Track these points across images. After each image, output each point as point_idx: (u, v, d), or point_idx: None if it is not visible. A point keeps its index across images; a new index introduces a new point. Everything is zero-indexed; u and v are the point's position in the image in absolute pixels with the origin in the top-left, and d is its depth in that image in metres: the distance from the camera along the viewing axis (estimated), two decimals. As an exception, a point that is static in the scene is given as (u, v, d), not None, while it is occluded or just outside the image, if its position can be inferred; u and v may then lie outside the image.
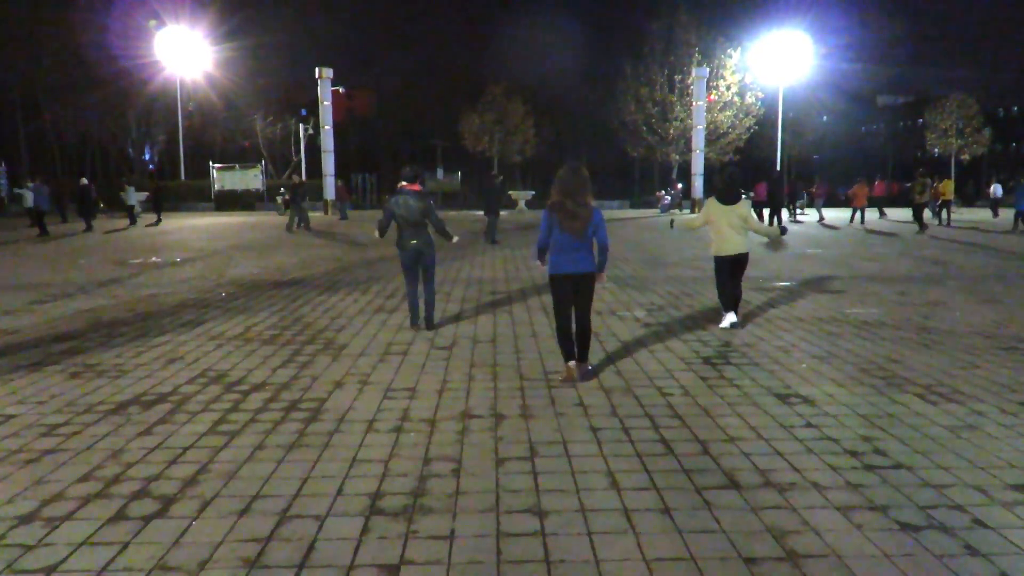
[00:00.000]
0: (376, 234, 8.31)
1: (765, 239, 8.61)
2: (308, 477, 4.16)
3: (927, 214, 25.66)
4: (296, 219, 24.94)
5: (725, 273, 8.34)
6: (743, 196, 8.33)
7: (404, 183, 8.19)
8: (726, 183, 8.46)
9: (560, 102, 61.19)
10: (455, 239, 8.62)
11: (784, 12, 57.94)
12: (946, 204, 27.03)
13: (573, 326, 6.16)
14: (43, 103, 48.03)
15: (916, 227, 23.52)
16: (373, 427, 5.01)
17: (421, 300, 8.36)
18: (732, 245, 8.22)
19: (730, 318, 8.29)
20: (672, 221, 8.96)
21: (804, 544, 3.38)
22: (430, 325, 8.28)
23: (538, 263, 6.35)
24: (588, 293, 6.18)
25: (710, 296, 10.40)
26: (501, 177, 21.99)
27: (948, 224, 26.32)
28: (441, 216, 8.31)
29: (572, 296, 6.12)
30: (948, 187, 27.12)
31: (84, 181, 27.74)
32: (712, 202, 8.34)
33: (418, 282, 8.36)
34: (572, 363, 6.13)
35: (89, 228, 25.18)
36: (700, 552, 3.31)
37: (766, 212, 24.81)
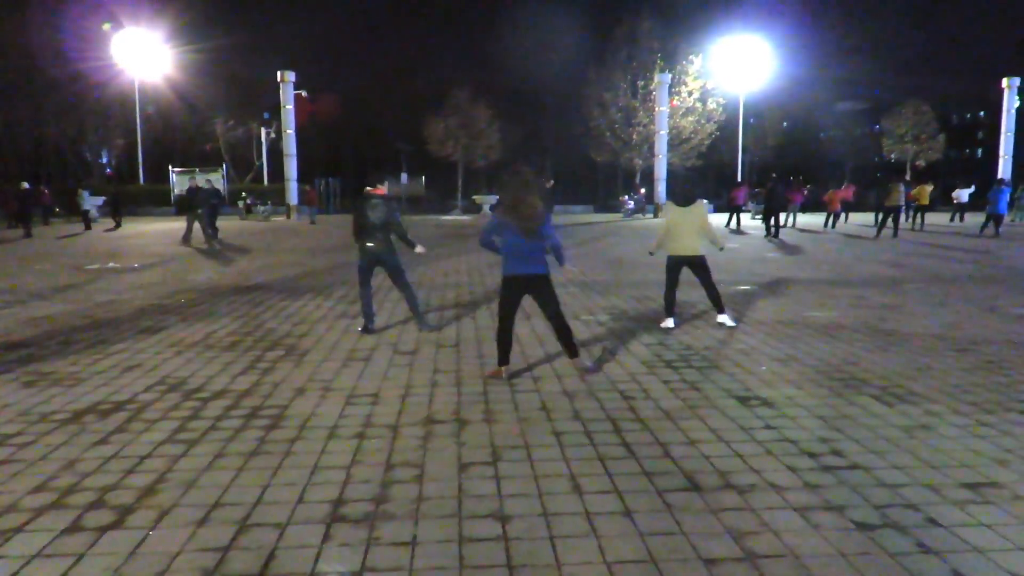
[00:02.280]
0: (355, 239, 8.25)
1: (716, 246, 8.78)
2: (269, 485, 4.12)
3: (907, 218, 26.22)
4: (195, 229, 21.40)
5: (676, 273, 8.57)
6: (700, 201, 8.54)
7: (369, 188, 8.20)
8: (683, 188, 8.80)
9: (525, 107, 61.37)
10: (419, 248, 8.51)
11: (745, 18, 58.77)
12: (921, 209, 27.60)
13: (513, 328, 6.41)
14: (-2, 107, 47.04)
15: (876, 232, 23.95)
16: (335, 433, 4.97)
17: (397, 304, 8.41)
18: (683, 246, 8.44)
19: (723, 318, 8.65)
20: (651, 253, 9.04)
21: (763, 544, 3.42)
22: (424, 325, 8.36)
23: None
24: (549, 293, 6.31)
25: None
26: (552, 182, 20.30)
27: (921, 228, 26.84)
28: (403, 221, 8.27)
29: (520, 299, 6.37)
30: (924, 192, 27.67)
31: (25, 185, 27.17)
32: (670, 205, 8.68)
33: (370, 286, 8.38)
34: (505, 367, 6.38)
35: (28, 235, 24.60)
36: (661, 554, 3.34)
37: (749, 216, 24.90)
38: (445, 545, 3.43)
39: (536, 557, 3.32)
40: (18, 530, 3.59)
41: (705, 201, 8.46)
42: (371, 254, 8.14)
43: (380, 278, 10.11)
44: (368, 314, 8.33)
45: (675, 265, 8.54)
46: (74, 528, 3.61)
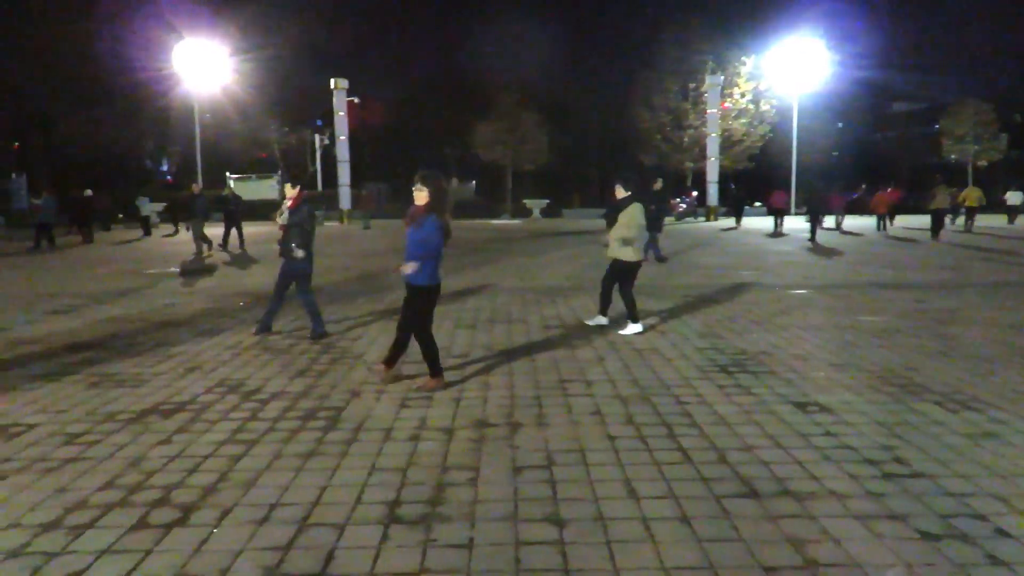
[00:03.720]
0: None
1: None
2: (327, 486, 4.18)
3: (955, 221, 25.47)
4: (201, 239, 20.18)
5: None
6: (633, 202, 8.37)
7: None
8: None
9: (573, 110, 61.22)
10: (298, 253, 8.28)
11: (798, 19, 57.87)
12: (971, 211, 26.89)
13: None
14: (60, 115, 48.54)
15: (930, 234, 23.37)
16: (391, 436, 5.03)
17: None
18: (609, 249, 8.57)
19: (597, 320, 8.83)
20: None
21: (824, 553, 3.37)
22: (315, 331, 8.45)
23: (405, 269, 6.01)
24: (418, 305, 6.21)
25: (725, 303, 10.40)
26: (661, 182, 18.25)
27: (969, 230, 26.11)
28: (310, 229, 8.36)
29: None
30: (973, 194, 26.95)
31: (88, 192, 27.87)
32: (639, 208, 8.40)
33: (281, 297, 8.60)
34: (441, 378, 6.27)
35: (89, 241, 25.24)
36: (719, 561, 3.30)
37: (788, 219, 24.39)
38: (501, 548, 3.44)
39: (592, 561, 3.31)
40: (88, 526, 3.71)
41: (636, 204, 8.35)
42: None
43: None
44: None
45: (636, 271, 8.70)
46: (140, 525, 3.71)
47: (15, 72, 44.11)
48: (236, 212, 21.48)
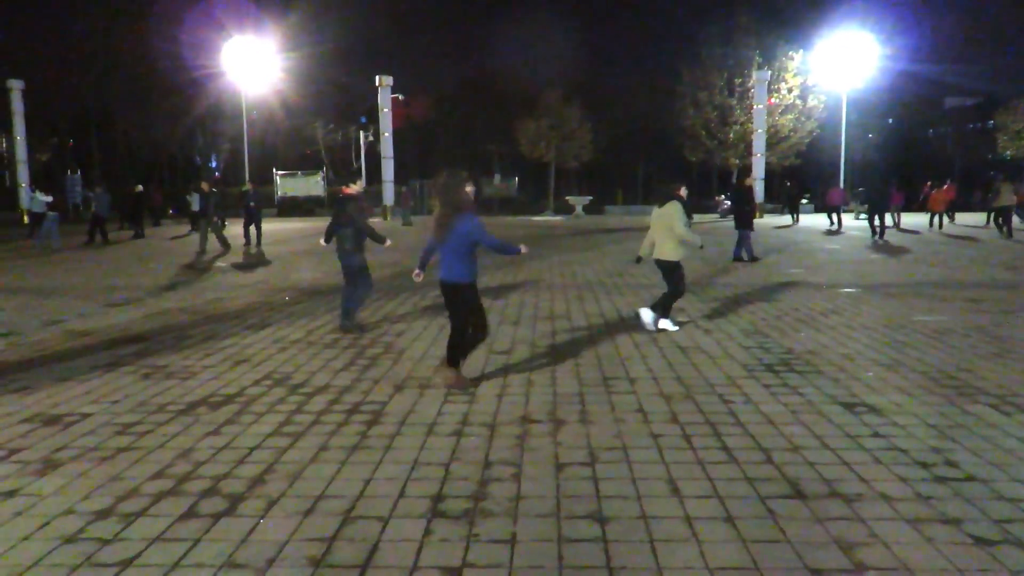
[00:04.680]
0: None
1: (692, 245, 8.40)
2: (371, 479, 4.22)
3: (1022, 219, 24.71)
4: (204, 239, 19.73)
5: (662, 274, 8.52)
6: (673, 200, 8.19)
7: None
8: (660, 187, 8.69)
9: (617, 107, 60.89)
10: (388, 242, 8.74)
11: (847, 13, 56.74)
12: None
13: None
14: (116, 112, 49.74)
15: (998, 232, 22.78)
16: (433, 430, 5.05)
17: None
18: (656, 249, 8.34)
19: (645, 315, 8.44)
20: (702, 245, 8.67)
21: (873, 556, 3.30)
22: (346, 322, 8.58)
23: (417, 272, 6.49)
24: (454, 304, 6.07)
25: (773, 301, 10.26)
26: (752, 178, 18.00)
27: None
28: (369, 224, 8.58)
29: (447, 305, 6.19)
30: None
31: (139, 188, 28.42)
32: (655, 208, 8.42)
33: (352, 286, 8.64)
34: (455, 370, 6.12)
35: (139, 235, 25.72)
36: (765, 562, 3.26)
37: (843, 216, 23.73)
38: (544, 544, 3.43)
39: (636, 560, 3.29)
40: (140, 514, 3.79)
41: (678, 201, 8.15)
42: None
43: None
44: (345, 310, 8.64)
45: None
46: (190, 514, 3.79)
47: (72, 72, 45.28)
48: (255, 210, 21.27)
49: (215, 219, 19.95)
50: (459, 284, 5.99)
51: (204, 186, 20.80)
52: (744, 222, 15.88)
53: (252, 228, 21.32)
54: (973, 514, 3.71)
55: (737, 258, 15.76)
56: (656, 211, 8.36)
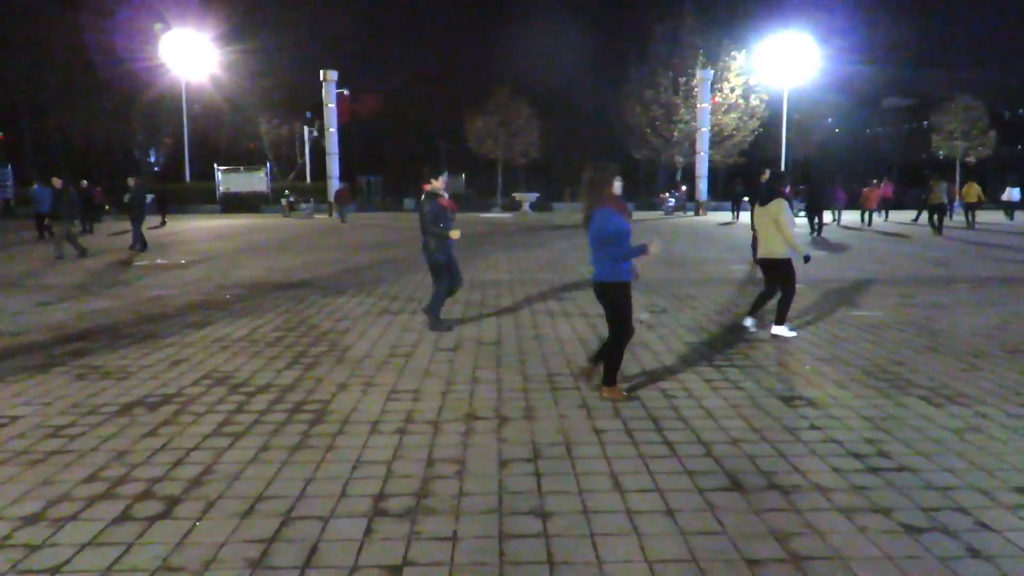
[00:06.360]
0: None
1: (797, 251, 8.01)
2: (312, 479, 4.17)
3: (952, 216, 25.41)
4: (58, 241, 17.31)
5: (764, 274, 8.30)
6: (779, 197, 7.89)
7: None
8: (766, 184, 8.32)
9: (566, 104, 61.16)
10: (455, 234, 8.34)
11: (789, 14, 57.88)
12: (971, 207, 26.97)
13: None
14: (49, 106, 48.18)
15: (930, 229, 23.49)
16: (377, 429, 5.02)
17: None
18: (761, 247, 8.11)
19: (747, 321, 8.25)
20: (806, 257, 7.95)
21: (808, 546, 3.38)
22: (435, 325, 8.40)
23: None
24: (602, 304, 5.75)
25: (713, 299, 10.42)
26: (767, 173, 16.68)
27: (973, 227, 26.14)
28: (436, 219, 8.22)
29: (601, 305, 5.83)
30: (972, 190, 27.05)
31: (84, 184, 27.72)
32: (757, 206, 8.18)
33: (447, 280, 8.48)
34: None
35: (89, 231, 25.12)
36: (703, 554, 3.31)
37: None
38: (486, 541, 3.44)
39: (577, 554, 3.31)
40: (71, 519, 3.68)
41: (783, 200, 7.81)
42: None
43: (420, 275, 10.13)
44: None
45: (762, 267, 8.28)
46: (124, 517, 3.70)
47: (3, 63, 43.77)
48: (138, 208, 19.17)
49: (72, 221, 18.15)
50: (604, 283, 5.61)
51: (56, 182, 18.48)
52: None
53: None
54: (903, 503, 3.82)
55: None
56: (758, 209, 8.04)
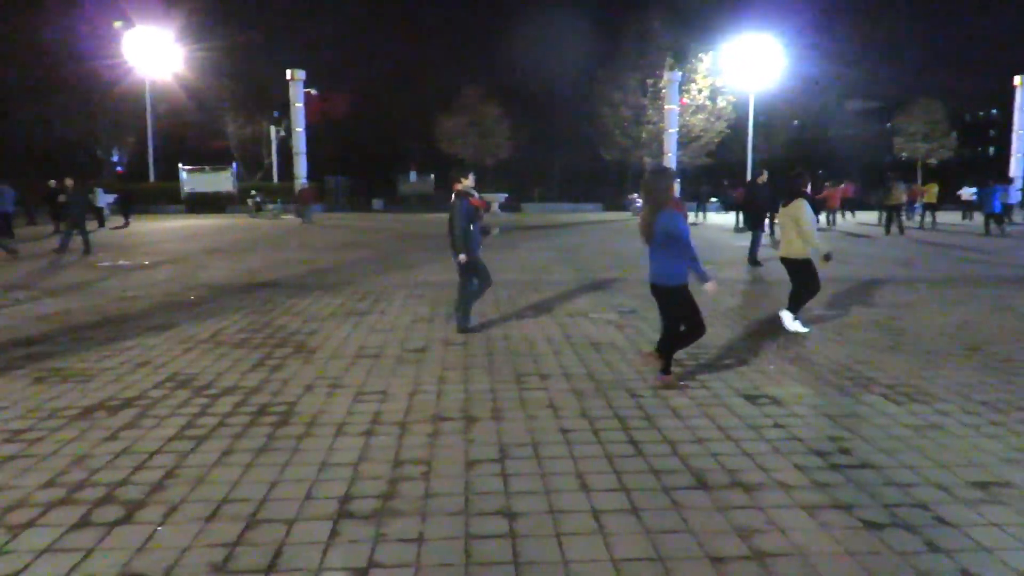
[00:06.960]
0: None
1: (816, 249, 8.15)
2: (277, 481, 4.13)
3: (911, 217, 25.77)
4: (65, 237, 17.30)
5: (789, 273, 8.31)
6: (798, 197, 7.99)
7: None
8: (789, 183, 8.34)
9: (535, 105, 61.25)
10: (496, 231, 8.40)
11: (756, 18, 58.52)
12: (930, 207, 27.39)
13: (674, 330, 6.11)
14: (9, 104, 47.19)
15: (883, 230, 23.81)
16: (343, 430, 4.98)
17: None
18: (783, 247, 8.21)
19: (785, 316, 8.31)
20: (827, 255, 8.18)
21: (770, 543, 3.42)
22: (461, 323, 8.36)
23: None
24: (662, 306, 6.09)
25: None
26: (765, 174, 15.64)
27: (933, 227, 26.58)
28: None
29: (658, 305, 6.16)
30: (932, 191, 27.46)
31: (52, 183, 27.26)
32: (780, 207, 8.26)
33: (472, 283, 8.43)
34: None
35: (58, 231, 24.70)
36: (668, 552, 3.33)
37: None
38: (452, 542, 3.43)
39: (543, 554, 3.32)
40: (28, 525, 3.61)
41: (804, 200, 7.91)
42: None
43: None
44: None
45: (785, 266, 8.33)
46: (83, 523, 3.63)
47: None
48: (74, 210, 17.87)
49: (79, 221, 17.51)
50: (665, 287, 5.85)
51: (68, 183, 18.08)
52: (757, 222, 15.16)
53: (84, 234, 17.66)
54: (864, 500, 3.88)
55: (755, 263, 14.48)
56: (782, 209, 8.12)
